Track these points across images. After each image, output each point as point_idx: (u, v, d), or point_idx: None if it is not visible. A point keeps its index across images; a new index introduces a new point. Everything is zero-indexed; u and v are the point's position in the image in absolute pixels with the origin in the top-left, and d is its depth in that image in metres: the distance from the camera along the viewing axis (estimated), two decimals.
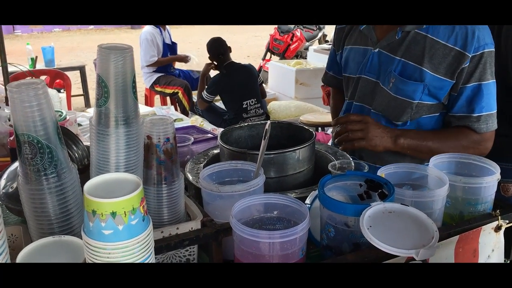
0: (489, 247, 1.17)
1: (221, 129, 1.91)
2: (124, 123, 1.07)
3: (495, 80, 1.57)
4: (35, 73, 4.88)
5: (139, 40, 6.06)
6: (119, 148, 1.08)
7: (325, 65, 2.07)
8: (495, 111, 1.59)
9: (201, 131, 2.40)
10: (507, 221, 1.18)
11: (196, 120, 4.13)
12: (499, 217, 1.17)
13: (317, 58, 7.05)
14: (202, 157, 1.62)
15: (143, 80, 6.29)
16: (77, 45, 13.81)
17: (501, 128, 1.62)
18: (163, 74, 6.16)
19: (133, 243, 0.82)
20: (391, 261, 0.99)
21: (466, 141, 1.59)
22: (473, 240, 1.14)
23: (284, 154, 1.44)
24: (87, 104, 7.20)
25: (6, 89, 0.91)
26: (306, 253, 1.05)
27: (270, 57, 8.76)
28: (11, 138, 1.83)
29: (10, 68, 4.00)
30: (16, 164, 1.28)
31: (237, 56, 8.33)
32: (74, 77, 7.53)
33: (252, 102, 4.89)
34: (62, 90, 6.31)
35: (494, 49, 1.55)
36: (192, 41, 12.58)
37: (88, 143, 1.22)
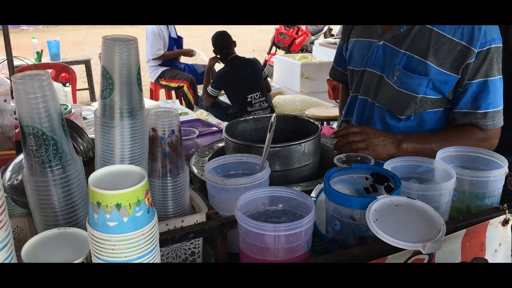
0: (496, 241, 1.17)
1: (226, 123, 1.91)
2: (129, 115, 1.07)
3: (502, 76, 1.55)
4: (41, 67, 4.88)
5: (145, 34, 6.05)
6: (124, 140, 1.08)
7: (331, 59, 2.06)
8: (502, 107, 1.57)
9: (206, 124, 2.40)
10: None
11: (201, 114, 4.13)
12: (507, 211, 1.16)
13: (323, 52, 7.02)
14: (207, 150, 1.62)
15: (148, 74, 6.29)
16: (82, 39, 13.82)
17: (508, 122, 1.61)
18: (168, 68, 6.16)
19: (138, 235, 0.82)
20: (396, 255, 0.98)
21: (470, 140, 1.55)
22: (480, 234, 1.13)
23: (290, 147, 1.43)
24: (93, 98, 7.22)
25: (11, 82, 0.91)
26: (311, 246, 1.04)
27: (276, 51, 8.72)
28: (17, 131, 1.84)
29: (16, 62, 4.03)
30: (21, 156, 1.28)
31: (242, 50, 8.29)
32: (79, 71, 7.54)
33: (256, 95, 4.87)
34: (67, 84, 6.35)
35: (501, 45, 1.53)
36: (197, 35, 12.55)
37: (93, 136, 1.22)
